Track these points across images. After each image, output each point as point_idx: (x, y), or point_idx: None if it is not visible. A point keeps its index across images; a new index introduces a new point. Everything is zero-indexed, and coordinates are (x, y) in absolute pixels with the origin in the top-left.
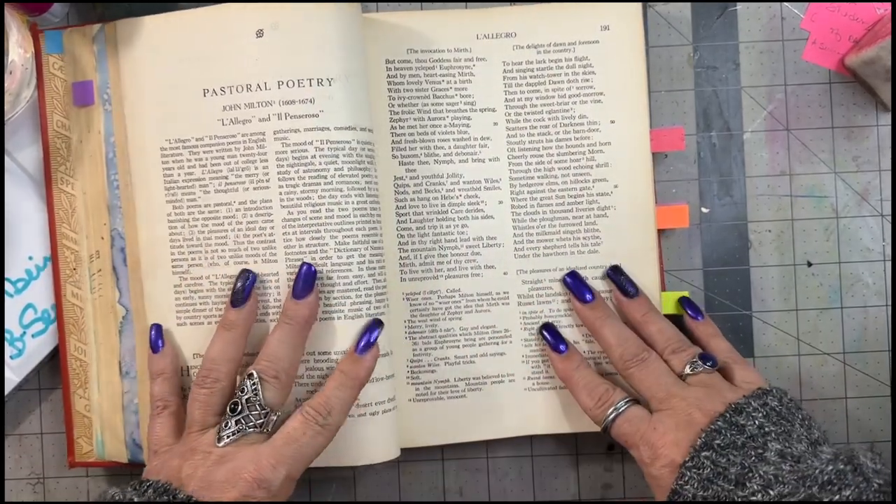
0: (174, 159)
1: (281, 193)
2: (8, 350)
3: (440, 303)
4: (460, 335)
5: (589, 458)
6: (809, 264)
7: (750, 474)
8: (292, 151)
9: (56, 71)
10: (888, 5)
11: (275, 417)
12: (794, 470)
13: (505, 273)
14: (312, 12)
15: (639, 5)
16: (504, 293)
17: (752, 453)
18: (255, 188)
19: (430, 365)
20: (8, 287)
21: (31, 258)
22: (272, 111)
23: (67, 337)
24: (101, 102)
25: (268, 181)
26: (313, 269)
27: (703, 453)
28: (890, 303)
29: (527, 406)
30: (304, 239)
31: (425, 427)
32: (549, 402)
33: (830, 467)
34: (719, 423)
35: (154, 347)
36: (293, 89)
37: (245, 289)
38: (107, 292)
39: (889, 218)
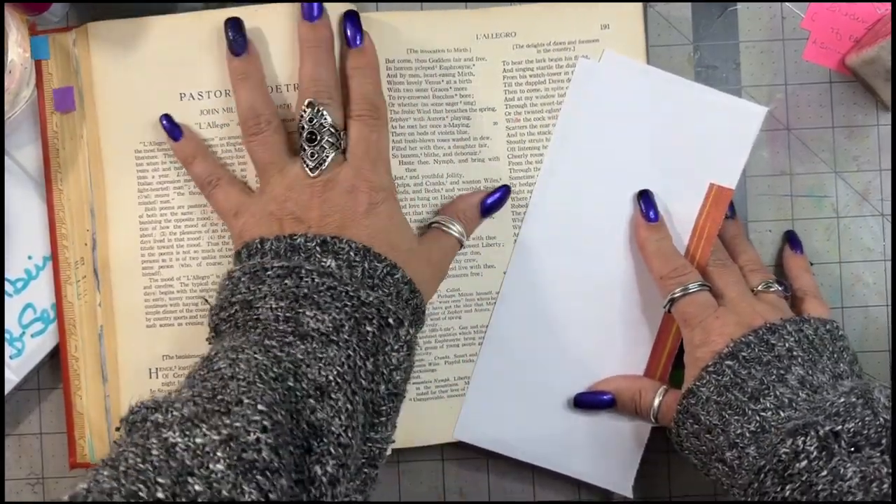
0: (148, 161)
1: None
2: (7, 350)
3: (440, 302)
4: (460, 334)
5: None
6: (810, 264)
7: (766, 391)
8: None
9: (52, 72)
10: (888, 5)
11: (344, 135)
12: (808, 399)
13: (505, 273)
14: (289, 14)
15: (639, 4)
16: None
17: (774, 373)
18: None
19: (430, 364)
20: (7, 287)
21: (30, 258)
22: None
23: (68, 337)
24: (81, 107)
25: (246, 182)
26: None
27: (727, 362)
28: (890, 303)
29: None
30: None
31: (425, 426)
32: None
33: (842, 399)
34: (750, 336)
35: (174, 135)
36: (273, 93)
37: (239, 35)
38: (91, 298)
39: (889, 218)
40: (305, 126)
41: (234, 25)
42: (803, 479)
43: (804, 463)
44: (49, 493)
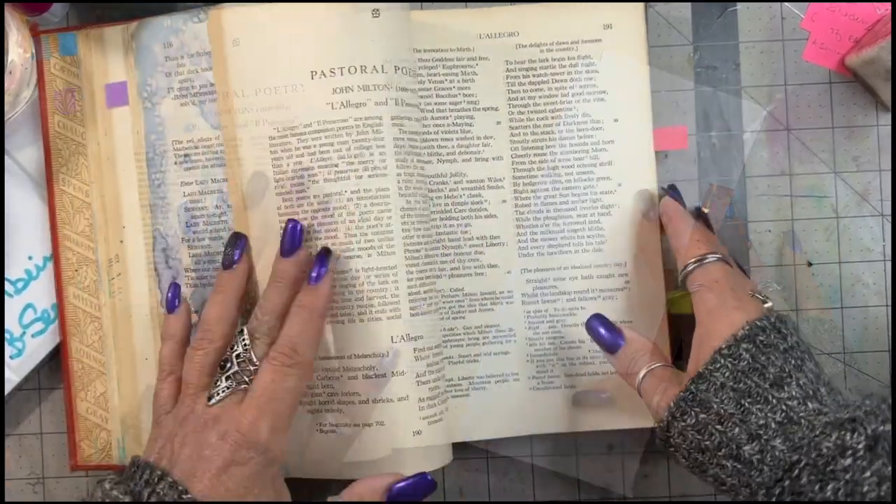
0: (282, 148)
1: (399, 181)
2: (8, 350)
3: (443, 302)
4: (464, 334)
5: (589, 458)
6: (809, 264)
7: (789, 380)
8: (408, 139)
9: (57, 71)
10: (888, 5)
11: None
12: (831, 394)
13: (508, 272)
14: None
15: (641, 4)
16: (508, 292)
17: (793, 362)
18: (369, 176)
19: None
20: (8, 287)
21: (30, 258)
22: (389, 95)
23: (69, 339)
24: (139, 101)
25: (385, 168)
26: (300, 225)
27: (744, 345)
28: (890, 303)
29: (529, 406)
30: (420, 229)
31: None
32: (552, 402)
33: (868, 401)
34: (765, 321)
35: (170, 307)
36: (408, 76)
37: (235, 252)
38: (126, 297)
39: (889, 218)
40: (228, 352)
41: (233, 241)
42: (847, 477)
43: (849, 461)
44: (49, 493)
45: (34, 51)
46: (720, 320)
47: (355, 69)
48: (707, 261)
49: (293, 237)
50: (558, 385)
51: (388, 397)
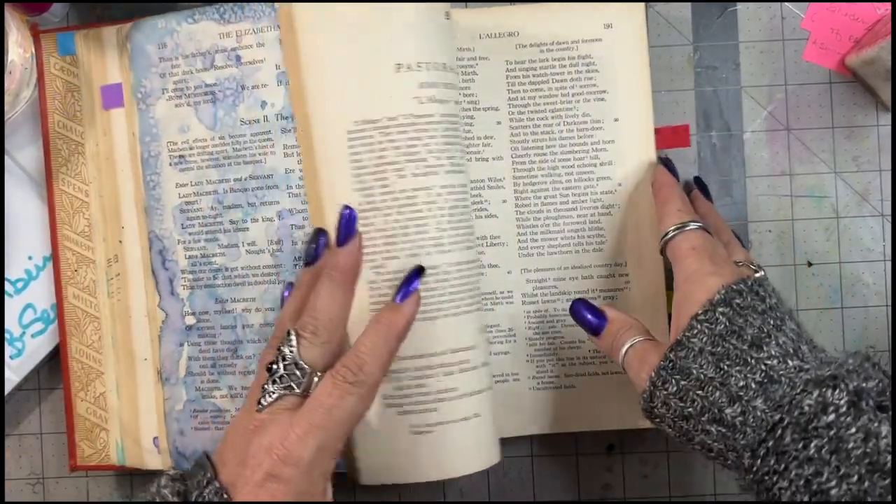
0: (362, 142)
1: (466, 178)
2: (7, 350)
3: None
4: None
5: (589, 458)
6: (810, 264)
7: (768, 339)
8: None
9: (57, 71)
10: (888, 5)
11: (316, 380)
12: (813, 352)
13: (509, 272)
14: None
15: (642, 4)
16: (508, 292)
17: (772, 322)
18: (455, 171)
19: None
20: (7, 287)
21: (30, 258)
22: (457, 94)
23: (69, 339)
24: (134, 102)
25: (463, 165)
26: (354, 213)
27: (720, 309)
28: (890, 303)
29: (530, 405)
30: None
31: None
32: (553, 402)
33: (851, 360)
34: (741, 285)
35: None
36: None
37: (318, 247)
38: (125, 297)
39: (889, 218)
40: (276, 354)
41: (314, 237)
42: (831, 433)
43: (832, 417)
44: (49, 493)
45: (34, 51)
46: (697, 286)
47: (438, 66)
48: (687, 228)
49: (349, 223)
50: (558, 385)
51: (481, 388)
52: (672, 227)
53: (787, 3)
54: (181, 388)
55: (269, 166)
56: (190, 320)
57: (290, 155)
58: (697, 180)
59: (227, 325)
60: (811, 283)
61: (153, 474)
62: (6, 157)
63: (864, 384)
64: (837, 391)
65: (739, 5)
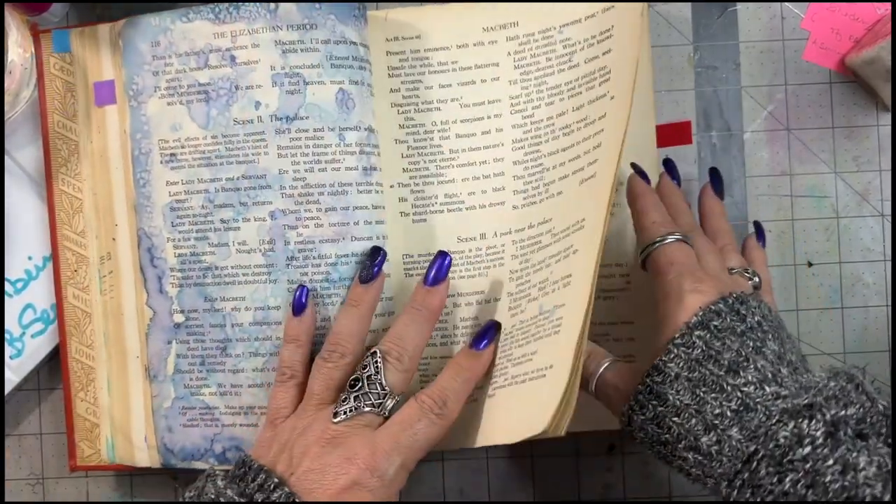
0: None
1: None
2: (7, 350)
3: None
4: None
5: (589, 458)
6: (810, 264)
7: (745, 363)
8: None
9: (57, 71)
10: (888, 5)
11: (392, 402)
12: (793, 375)
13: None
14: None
15: (641, 3)
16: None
17: (751, 344)
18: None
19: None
20: (7, 287)
21: (30, 258)
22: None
23: (68, 339)
24: (126, 99)
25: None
26: (450, 258)
27: (697, 332)
28: (890, 303)
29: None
30: None
31: None
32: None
33: (833, 383)
34: (720, 304)
35: (297, 310)
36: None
37: (375, 265)
38: (118, 294)
39: (889, 218)
40: (359, 371)
41: (373, 255)
42: (807, 467)
43: (808, 449)
44: (49, 494)
45: (34, 51)
46: (675, 305)
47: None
48: (665, 242)
49: (440, 269)
50: None
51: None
52: (649, 242)
53: (787, 3)
54: (169, 386)
55: (262, 167)
56: (178, 318)
57: (284, 156)
58: (713, 171)
59: (215, 324)
60: (811, 283)
61: (153, 474)
62: (6, 157)
63: (842, 412)
64: (814, 422)
65: (739, 5)
